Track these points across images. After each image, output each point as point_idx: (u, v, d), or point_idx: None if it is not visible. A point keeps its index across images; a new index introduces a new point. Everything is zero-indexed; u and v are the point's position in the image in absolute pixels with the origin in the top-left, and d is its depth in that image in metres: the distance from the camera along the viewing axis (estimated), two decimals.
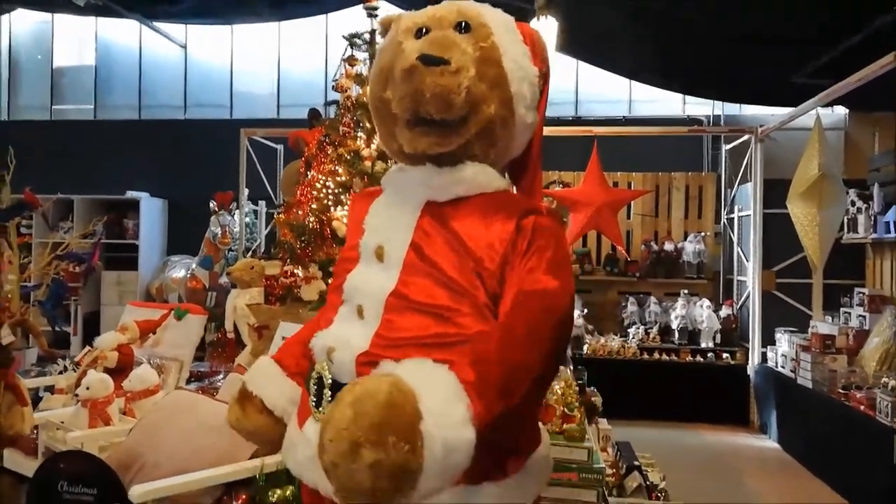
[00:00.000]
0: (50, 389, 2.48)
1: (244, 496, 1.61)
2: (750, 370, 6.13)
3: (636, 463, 2.61)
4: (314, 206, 2.89)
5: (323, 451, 0.89)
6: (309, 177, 2.94)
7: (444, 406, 0.92)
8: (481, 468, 0.99)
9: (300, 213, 2.94)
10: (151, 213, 7.43)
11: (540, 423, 1.25)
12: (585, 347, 6.45)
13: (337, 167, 2.76)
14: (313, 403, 1.17)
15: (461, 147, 1.18)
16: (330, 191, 2.76)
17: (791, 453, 5.19)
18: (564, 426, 1.93)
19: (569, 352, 6.23)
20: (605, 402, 3.70)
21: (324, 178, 2.86)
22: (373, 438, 0.84)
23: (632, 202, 7.11)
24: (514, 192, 1.34)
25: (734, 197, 6.96)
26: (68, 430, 1.96)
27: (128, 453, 1.78)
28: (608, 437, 3.17)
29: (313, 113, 3.67)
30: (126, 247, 7.23)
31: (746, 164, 6.52)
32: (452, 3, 1.25)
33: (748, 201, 6.35)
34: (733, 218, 6.90)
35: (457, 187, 1.17)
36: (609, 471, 2.57)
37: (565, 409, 1.96)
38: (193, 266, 6.48)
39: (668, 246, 7.05)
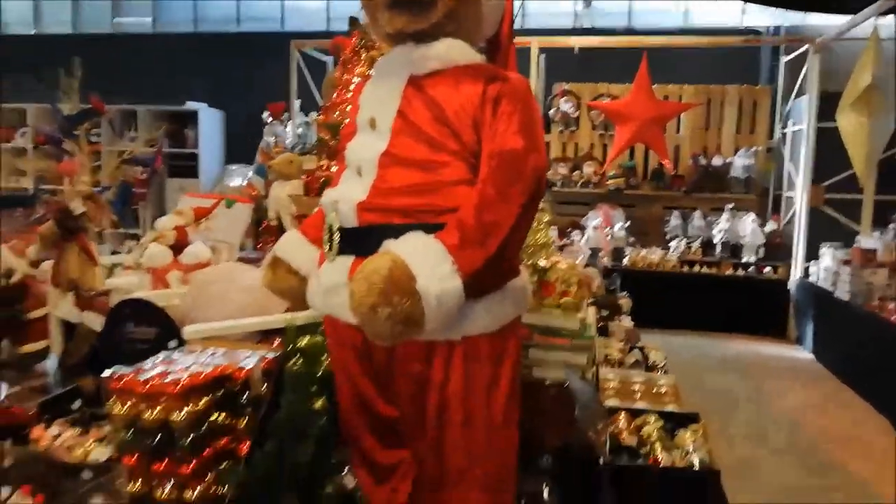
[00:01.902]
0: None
1: (278, 342, 1.89)
2: (791, 284, 6.15)
3: (639, 345, 2.82)
4: (349, 107, 3.07)
5: (354, 315, 1.20)
6: (344, 79, 3.10)
7: (432, 267, 1.18)
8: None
9: (336, 114, 3.13)
10: (209, 123, 7.78)
11: (521, 267, 1.46)
12: (625, 259, 6.57)
13: (369, 71, 2.91)
14: (326, 248, 1.41)
15: (433, 26, 1.34)
16: None
17: (825, 364, 5.27)
18: (562, 300, 2.13)
19: (607, 261, 6.38)
20: (643, 312, 3.87)
21: (357, 79, 3.02)
22: (383, 300, 1.15)
23: (682, 116, 7.02)
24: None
25: (789, 111, 6.76)
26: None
27: (183, 309, 2.08)
28: (626, 332, 3.36)
29: (353, 20, 3.78)
30: (187, 156, 7.63)
31: (804, 77, 6.30)
32: None
33: (803, 116, 6.18)
34: (787, 133, 6.74)
35: (432, 61, 1.35)
36: (617, 354, 2.78)
37: (565, 286, 2.15)
38: (249, 174, 6.82)
39: (717, 161, 6.96)
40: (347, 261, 1.33)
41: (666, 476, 1.68)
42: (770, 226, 6.54)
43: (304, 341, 1.90)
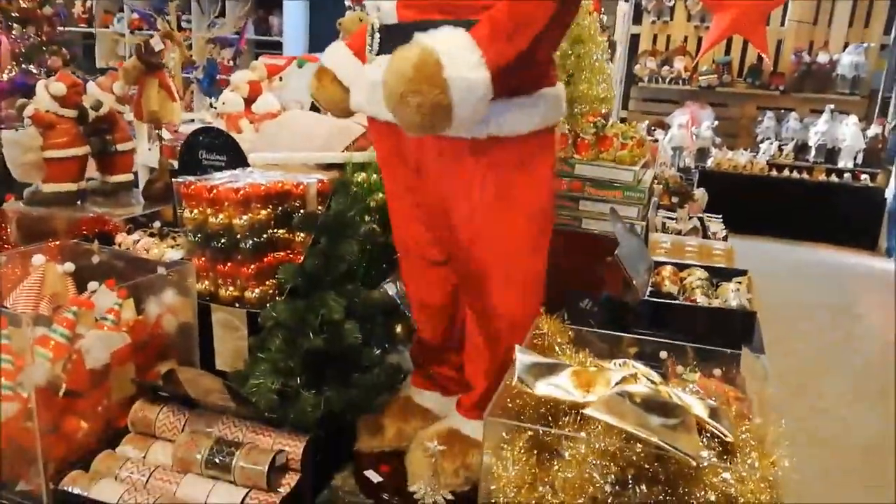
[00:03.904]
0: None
1: (337, 172, 2.00)
2: (889, 193, 5.76)
3: (700, 216, 2.77)
4: None
5: (387, 105, 1.21)
6: None
7: (460, 57, 1.19)
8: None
9: None
10: (295, 10, 7.82)
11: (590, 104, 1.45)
12: (710, 161, 6.31)
13: None
14: (368, 49, 1.46)
15: None
16: None
17: None
18: (617, 154, 2.12)
19: (690, 161, 6.15)
20: (726, 216, 3.71)
21: None
22: (412, 88, 1.16)
23: (788, 5, 6.47)
24: None
25: None
26: None
27: (254, 148, 2.22)
28: (691, 206, 3.27)
29: None
30: (272, 44, 7.76)
31: None
32: None
33: None
34: None
35: None
36: (676, 225, 2.74)
37: (622, 140, 2.13)
38: None
39: (822, 57, 6.44)
40: (387, 58, 1.37)
41: (700, 313, 1.70)
42: (874, 129, 6.07)
43: (360, 177, 2.01)
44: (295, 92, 3.05)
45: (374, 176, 2.00)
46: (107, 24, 8.05)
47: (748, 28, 6.25)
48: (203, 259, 1.73)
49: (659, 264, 2.07)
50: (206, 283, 1.73)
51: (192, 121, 2.96)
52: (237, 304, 1.71)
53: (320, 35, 7.93)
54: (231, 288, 1.71)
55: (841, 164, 6.05)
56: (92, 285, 1.71)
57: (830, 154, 6.13)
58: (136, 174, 2.64)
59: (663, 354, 1.72)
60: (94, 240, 1.84)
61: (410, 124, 1.21)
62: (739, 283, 1.91)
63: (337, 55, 1.64)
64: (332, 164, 2.06)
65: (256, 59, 8.17)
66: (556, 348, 1.34)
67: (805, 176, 6.08)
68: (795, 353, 3.44)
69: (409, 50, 1.19)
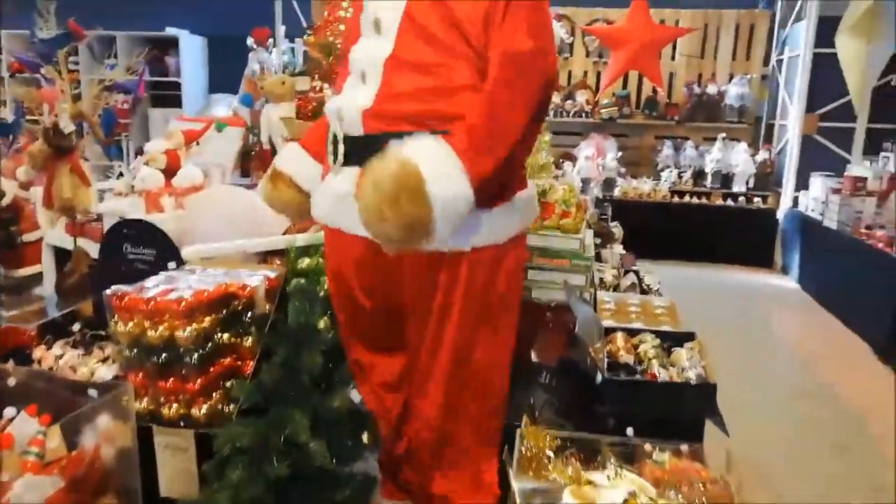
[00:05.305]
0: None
1: (278, 262, 1.89)
2: (780, 214, 6.19)
3: (634, 268, 2.84)
4: (341, 26, 2.97)
5: (361, 218, 1.16)
6: None
7: (441, 170, 1.14)
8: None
9: (328, 32, 3.03)
10: (192, 50, 7.51)
11: (527, 177, 1.43)
12: (616, 190, 6.56)
13: None
14: (331, 159, 1.38)
15: None
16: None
17: (809, 292, 5.36)
18: (561, 221, 2.13)
19: (598, 192, 6.37)
20: (633, 242, 3.88)
21: None
22: (392, 203, 1.11)
23: (677, 42, 6.87)
24: None
25: (786, 37, 6.63)
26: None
27: (179, 232, 2.06)
28: (621, 257, 3.38)
29: None
30: (170, 85, 7.41)
31: (803, 0, 6.15)
32: None
33: (800, 41, 6.07)
34: (783, 60, 6.63)
35: None
36: (610, 279, 2.80)
37: (564, 207, 2.14)
38: (234, 104, 6.65)
39: (711, 89, 6.87)
40: (353, 171, 1.30)
41: (664, 390, 1.72)
42: (762, 155, 6.52)
43: (304, 263, 1.90)
44: (215, 156, 2.89)
45: (320, 260, 1.91)
46: None
47: (643, 64, 6.57)
48: (141, 376, 1.57)
49: (609, 330, 2.08)
50: (146, 401, 1.57)
51: (103, 192, 2.73)
52: (183, 424, 1.56)
53: (220, 74, 7.67)
54: (175, 405, 1.56)
55: (735, 189, 6.44)
56: (8, 411, 1.52)
57: (725, 179, 6.52)
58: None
59: (630, 431, 1.72)
60: (7, 358, 1.63)
61: (387, 239, 1.15)
62: (691, 348, 1.94)
63: (292, 156, 1.55)
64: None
65: (153, 103, 7.72)
66: (544, 459, 1.31)
67: (704, 201, 6.43)
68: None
69: (388, 162, 1.14)
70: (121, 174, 2.84)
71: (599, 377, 1.81)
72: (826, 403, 3.25)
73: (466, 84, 1.24)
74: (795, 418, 3.07)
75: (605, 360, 1.88)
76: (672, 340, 2.03)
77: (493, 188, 1.25)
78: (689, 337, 2.03)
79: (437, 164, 1.14)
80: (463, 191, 1.15)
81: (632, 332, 2.06)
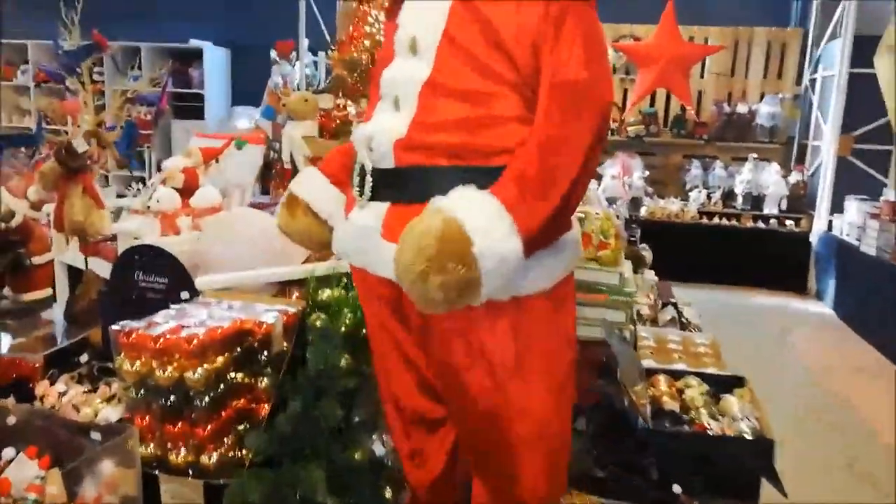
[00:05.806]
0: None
1: (297, 294, 1.77)
2: (813, 237, 5.98)
3: (672, 300, 2.69)
4: (366, 42, 2.87)
5: (401, 282, 1.04)
6: (361, 11, 2.90)
7: (488, 227, 1.02)
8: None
9: (353, 48, 2.93)
10: (215, 61, 7.50)
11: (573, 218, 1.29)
12: (643, 210, 6.39)
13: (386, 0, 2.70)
14: (357, 192, 1.24)
15: None
16: (381, 25, 2.73)
17: (844, 319, 5.16)
18: (599, 253, 1.99)
19: (625, 211, 6.21)
20: (661, 264, 3.73)
21: (376, 11, 2.82)
22: (435, 267, 1.00)
23: (706, 60, 6.72)
24: None
25: (820, 56, 6.45)
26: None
27: (195, 256, 1.95)
28: (652, 285, 3.22)
29: None
30: (192, 96, 7.39)
31: (838, 19, 5.97)
32: None
33: (834, 60, 5.89)
34: (816, 79, 6.45)
35: None
36: (647, 311, 2.65)
37: (602, 237, 2.00)
38: (257, 117, 6.60)
39: (742, 108, 6.70)
40: (381, 207, 1.16)
41: (716, 444, 1.57)
42: (794, 177, 6.33)
43: (325, 294, 1.78)
44: (235, 175, 2.79)
45: (342, 291, 1.79)
46: (9, 77, 7.45)
47: (672, 81, 6.42)
48: (147, 418, 1.45)
49: (650, 371, 1.94)
50: (152, 446, 1.46)
51: (120, 209, 2.64)
52: (191, 473, 1.43)
53: (243, 86, 7.65)
54: (183, 451, 1.44)
55: (766, 211, 6.25)
56: (7, 452, 1.41)
57: (756, 201, 6.33)
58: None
59: (677, 489, 1.58)
60: (9, 391, 1.52)
61: (430, 303, 1.03)
62: (741, 396, 1.79)
63: (310, 183, 1.42)
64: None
65: (175, 115, 7.72)
66: None
67: (734, 223, 6.24)
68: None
69: (430, 221, 1.02)
70: (138, 191, 2.75)
71: (641, 423, 1.67)
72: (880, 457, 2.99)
73: (512, 115, 1.11)
74: (853, 472, 2.82)
75: (648, 406, 1.74)
76: (718, 385, 1.87)
77: (547, 237, 1.11)
78: (739, 381, 1.87)
79: (483, 221, 1.03)
80: (513, 249, 1.04)
81: (675, 375, 1.91)
